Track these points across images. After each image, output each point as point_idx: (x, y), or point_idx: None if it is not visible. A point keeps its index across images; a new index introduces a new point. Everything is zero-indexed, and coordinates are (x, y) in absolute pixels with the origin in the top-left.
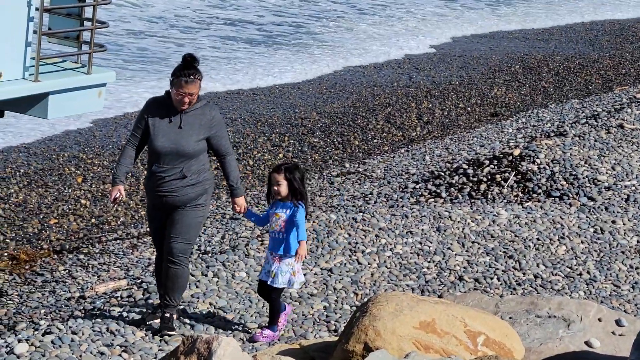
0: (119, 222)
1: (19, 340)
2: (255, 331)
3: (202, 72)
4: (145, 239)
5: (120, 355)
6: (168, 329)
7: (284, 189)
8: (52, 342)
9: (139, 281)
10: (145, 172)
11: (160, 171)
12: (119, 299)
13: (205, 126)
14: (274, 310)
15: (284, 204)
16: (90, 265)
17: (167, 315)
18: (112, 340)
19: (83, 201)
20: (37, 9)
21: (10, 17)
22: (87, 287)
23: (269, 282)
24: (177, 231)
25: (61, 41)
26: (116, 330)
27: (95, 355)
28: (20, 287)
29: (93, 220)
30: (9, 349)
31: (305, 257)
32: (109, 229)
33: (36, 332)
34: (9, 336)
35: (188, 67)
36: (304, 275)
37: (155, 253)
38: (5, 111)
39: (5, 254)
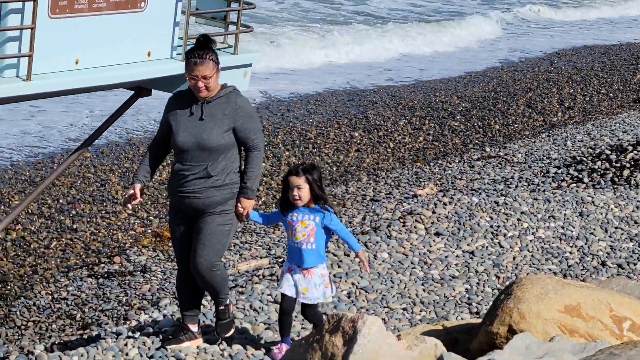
0: (260, 202)
1: (164, 316)
2: (273, 349)
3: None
4: None
5: (264, 331)
6: (228, 323)
7: (305, 193)
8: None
9: (280, 260)
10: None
11: (182, 169)
12: (261, 277)
13: (229, 116)
14: (316, 320)
15: (308, 210)
16: (232, 244)
17: (222, 307)
18: (256, 317)
19: None
20: None
21: None
22: (230, 265)
23: (300, 299)
24: (202, 242)
25: (208, 21)
26: (259, 307)
27: (238, 332)
28: (164, 264)
29: None
30: (154, 323)
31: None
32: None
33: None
34: (152, 312)
35: (199, 48)
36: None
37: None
38: (153, 90)
39: (149, 231)
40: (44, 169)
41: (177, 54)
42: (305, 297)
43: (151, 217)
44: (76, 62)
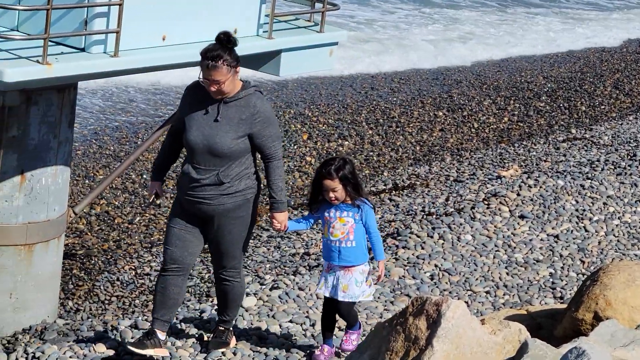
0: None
1: (247, 294)
2: (323, 348)
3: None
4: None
5: None
6: (221, 343)
7: (340, 193)
8: (279, 297)
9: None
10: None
11: (193, 172)
12: None
13: (246, 121)
14: (352, 321)
15: (345, 206)
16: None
17: (221, 328)
18: None
19: (308, 158)
20: None
21: None
22: (312, 244)
23: (340, 298)
24: (220, 251)
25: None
26: None
27: (321, 312)
28: None
29: None
30: None
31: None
32: None
33: (263, 287)
34: None
35: (215, 49)
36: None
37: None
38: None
39: None
40: (127, 144)
41: (264, 32)
42: (346, 295)
43: None
44: (163, 39)
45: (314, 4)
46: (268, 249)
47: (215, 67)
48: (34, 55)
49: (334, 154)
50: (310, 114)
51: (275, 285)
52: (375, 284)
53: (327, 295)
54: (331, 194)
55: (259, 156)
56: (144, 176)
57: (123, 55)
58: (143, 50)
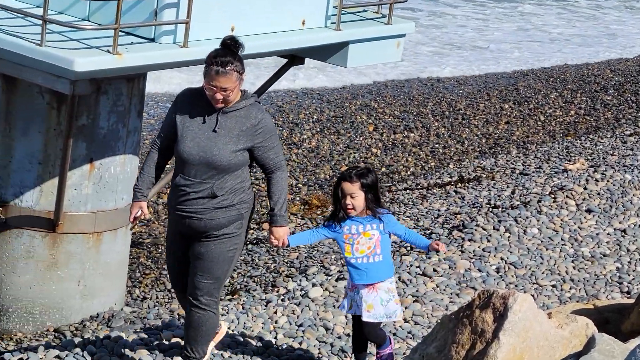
0: (408, 173)
1: (313, 285)
2: None
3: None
4: (434, 191)
5: (412, 304)
6: None
7: (360, 201)
8: (345, 287)
9: (428, 232)
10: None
11: (184, 185)
12: (409, 249)
13: (247, 133)
14: (379, 341)
15: (365, 219)
16: None
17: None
18: (404, 289)
19: (374, 150)
20: None
21: None
22: None
23: (364, 318)
24: (202, 268)
25: None
26: (407, 279)
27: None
28: None
29: (383, 168)
30: (303, 292)
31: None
32: (399, 179)
33: (329, 278)
34: (300, 280)
35: (224, 54)
36: None
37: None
38: (306, 58)
39: (298, 199)
40: None
41: (332, 23)
42: (370, 314)
43: (300, 185)
44: (232, 29)
45: None
46: (334, 240)
47: (225, 73)
48: (104, 45)
49: (400, 146)
50: (376, 105)
51: (341, 276)
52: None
53: (352, 313)
54: (349, 200)
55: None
56: None
57: (192, 45)
58: (212, 41)
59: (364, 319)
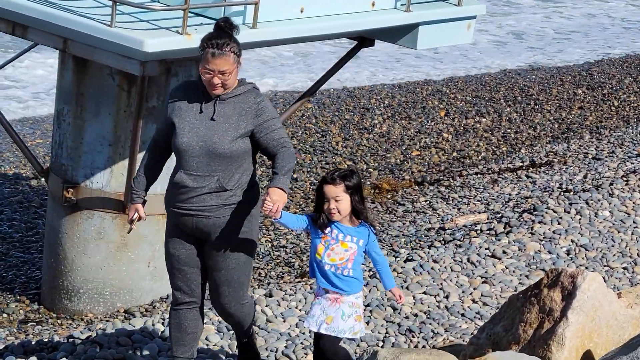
0: (480, 157)
1: None
2: None
3: None
4: (505, 175)
5: (481, 285)
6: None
7: (345, 205)
8: (413, 269)
9: (499, 215)
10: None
11: (187, 180)
12: (479, 231)
13: (247, 116)
14: (339, 358)
15: (348, 229)
16: (450, 198)
17: (245, 340)
18: (473, 270)
19: (445, 135)
20: None
21: None
22: (447, 219)
23: (322, 330)
24: (225, 279)
25: None
26: (477, 261)
27: (455, 285)
28: (382, 216)
29: (454, 153)
30: (371, 272)
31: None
32: (470, 164)
33: (397, 259)
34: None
35: (219, 36)
36: None
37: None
38: (376, 40)
39: (368, 183)
40: None
41: (401, 5)
42: (329, 328)
43: (370, 169)
44: (301, 11)
45: None
46: (403, 224)
47: (222, 55)
48: (173, 26)
49: (471, 131)
50: (447, 90)
51: (410, 257)
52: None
53: (314, 329)
54: (332, 205)
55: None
56: None
57: (261, 26)
58: (281, 22)
59: (322, 331)
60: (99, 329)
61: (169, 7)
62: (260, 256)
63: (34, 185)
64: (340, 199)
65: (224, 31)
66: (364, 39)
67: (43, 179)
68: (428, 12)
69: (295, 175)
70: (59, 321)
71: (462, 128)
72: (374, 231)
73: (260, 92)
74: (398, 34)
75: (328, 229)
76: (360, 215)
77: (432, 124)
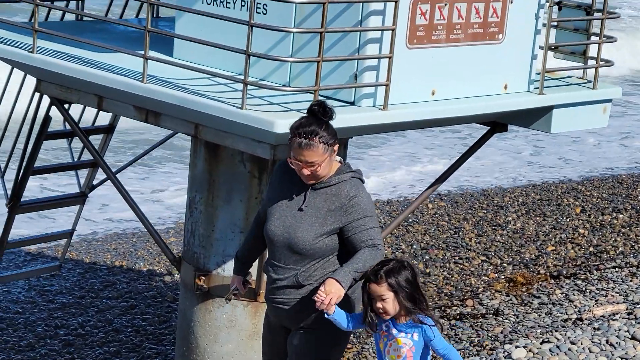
0: (617, 252)
1: (516, 347)
2: None
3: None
4: None
5: None
6: None
7: (391, 305)
8: (550, 350)
9: (638, 305)
10: None
11: (271, 271)
12: (619, 317)
13: (336, 212)
14: None
15: (404, 326)
16: (587, 290)
17: None
18: (612, 352)
19: (581, 230)
20: (544, 24)
21: (518, 31)
22: (585, 310)
23: None
24: None
25: (566, 56)
26: (616, 343)
27: None
28: (517, 308)
29: (591, 248)
30: (506, 353)
31: None
32: (607, 258)
33: (534, 341)
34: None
35: (309, 124)
36: None
37: None
38: (509, 125)
39: (503, 277)
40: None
41: (535, 88)
42: None
43: (504, 264)
44: (432, 93)
45: (587, 60)
46: (539, 315)
47: (309, 145)
48: (304, 108)
49: (608, 227)
50: (583, 188)
51: (546, 339)
52: None
53: None
54: (379, 304)
55: None
56: (414, 246)
57: (392, 108)
58: (412, 105)
59: None
60: None
61: (300, 89)
62: None
63: (167, 280)
64: (386, 298)
65: (316, 117)
66: (496, 124)
67: (176, 273)
68: (562, 94)
69: (428, 270)
70: None
71: (598, 224)
72: (430, 323)
73: (359, 182)
74: (531, 118)
75: (383, 324)
76: (410, 315)
77: (568, 220)
